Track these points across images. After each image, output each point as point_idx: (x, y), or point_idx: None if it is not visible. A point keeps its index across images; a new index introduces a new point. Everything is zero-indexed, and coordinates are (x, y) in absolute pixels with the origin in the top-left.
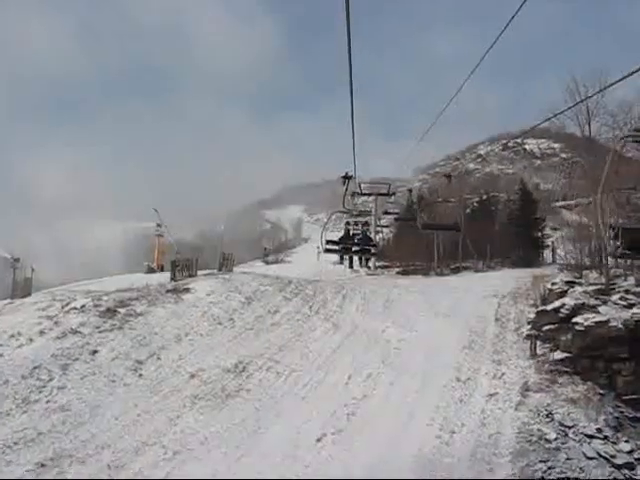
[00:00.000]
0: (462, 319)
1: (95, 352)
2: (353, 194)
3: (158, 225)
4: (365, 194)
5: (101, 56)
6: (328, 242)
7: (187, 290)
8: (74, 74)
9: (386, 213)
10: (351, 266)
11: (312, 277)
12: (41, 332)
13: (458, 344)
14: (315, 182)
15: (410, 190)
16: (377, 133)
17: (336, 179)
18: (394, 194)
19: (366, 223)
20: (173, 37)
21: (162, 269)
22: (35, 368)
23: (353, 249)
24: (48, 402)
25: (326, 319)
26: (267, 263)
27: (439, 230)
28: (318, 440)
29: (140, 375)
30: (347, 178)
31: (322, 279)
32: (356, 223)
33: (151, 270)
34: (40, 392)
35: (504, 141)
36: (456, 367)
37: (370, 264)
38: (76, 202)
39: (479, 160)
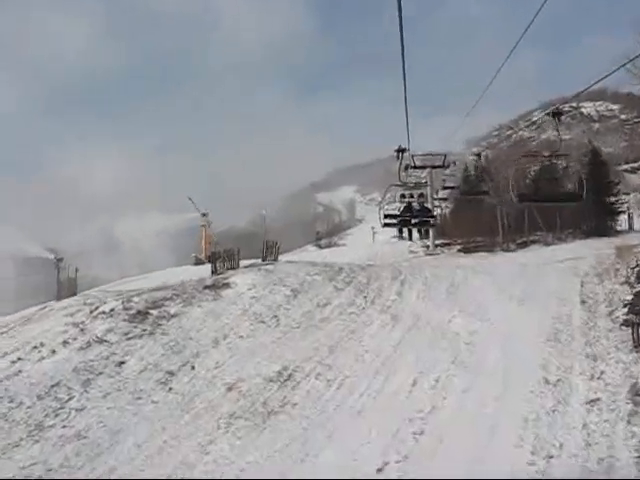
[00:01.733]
0: (540, 303)
1: (122, 363)
2: (406, 167)
3: (203, 215)
4: (419, 167)
5: (136, 47)
6: (386, 216)
7: (226, 285)
8: (113, 68)
9: (445, 188)
10: (410, 238)
11: (367, 261)
12: (65, 342)
13: (540, 335)
14: (366, 161)
15: (479, 155)
16: (418, 111)
17: (388, 157)
18: (449, 166)
19: (422, 195)
20: (209, 22)
21: (210, 260)
22: (53, 386)
23: (412, 221)
24: (64, 427)
25: (383, 310)
26: (320, 247)
27: (546, 202)
28: (379, 470)
29: (170, 389)
30: (401, 151)
31: (377, 263)
32: (412, 195)
33: (199, 262)
34: (56, 415)
35: (558, 105)
36: (542, 365)
37: (429, 243)
38: (124, 196)
39: (534, 128)
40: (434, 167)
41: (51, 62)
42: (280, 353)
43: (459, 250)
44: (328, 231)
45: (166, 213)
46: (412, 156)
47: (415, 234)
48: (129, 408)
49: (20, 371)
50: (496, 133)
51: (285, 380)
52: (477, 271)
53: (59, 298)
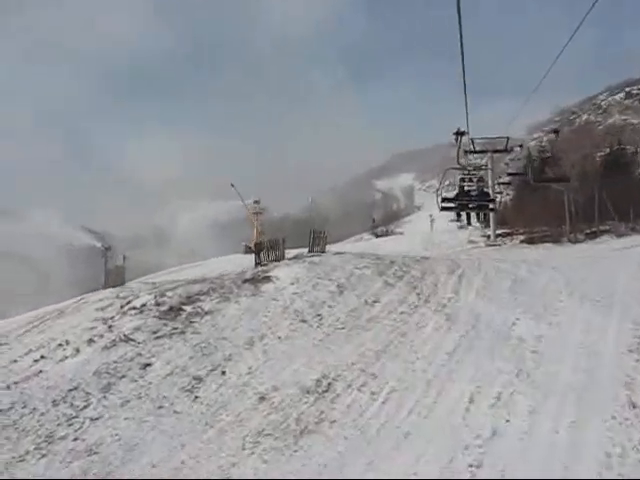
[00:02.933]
0: (619, 305)
1: (146, 366)
2: (466, 152)
3: (255, 202)
4: (479, 152)
5: (185, 30)
6: (444, 200)
7: (267, 279)
8: (162, 53)
9: (510, 174)
10: (469, 223)
11: (423, 250)
12: (90, 340)
13: (620, 344)
14: (425, 147)
15: (556, 131)
16: (477, 95)
17: (447, 143)
18: (512, 150)
19: (481, 179)
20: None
21: (254, 250)
22: (71, 390)
23: (470, 205)
24: (75, 440)
25: (438, 310)
26: (376, 235)
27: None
28: None
29: (195, 398)
30: (460, 134)
31: (434, 254)
32: (470, 179)
33: (249, 250)
34: (69, 425)
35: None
36: (626, 383)
37: (490, 232)
38: (175, 183)
39: (599, 112)
40: (495, 151)
41: (100, 51)
42: (320, 358)
43: (522, 241)
44: (385, 219)
45: (217, 200)
46: (471, 140)
47: (475, 223)
48: (148, 420)
49: (41, 371)
50: (558, 118)
51: (324, 391)
52: (542, 265)
53: (106, 287)
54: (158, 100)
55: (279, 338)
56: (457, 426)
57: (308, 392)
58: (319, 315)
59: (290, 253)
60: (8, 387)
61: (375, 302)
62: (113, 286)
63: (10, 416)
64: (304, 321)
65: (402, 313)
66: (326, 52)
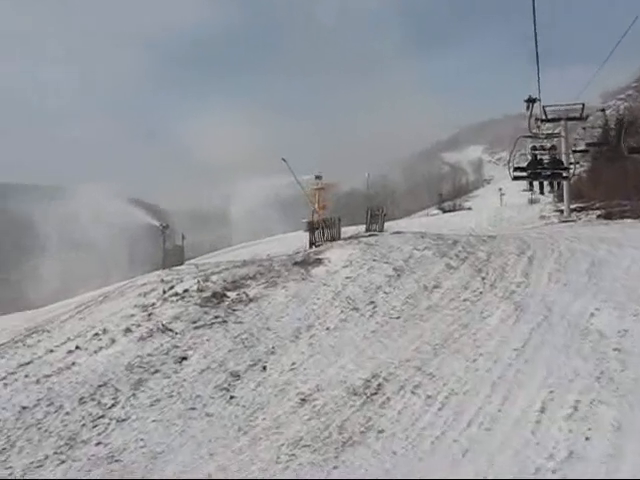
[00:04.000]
0: None
1: (182, 360)
2: (537, 120)
3: (317, 177)
4: (552, 120)
5: (249, 7)
6: (516, 169)
7: (318, 261)
8: (226, 31)
9: (590, 145)
10: (542, 192)
11: (491, 227)
12: (127, 330)
13: None
14: (494, 118)
15: None
16: (548, 64)
17: (517, 114)
18: (588, 117)
19: (554, 147)
20: None
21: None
22: (100, 386)
23: (542, 174)
24: (98, 445)
25: (505, 297)
26: (443, 211)
27: None
28: None
29: (231, 398)
30: (531, 101)
31: (502, 232)
32: (543, 148)
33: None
34: (94, 427)
35: None
36: None
37: (563, 207)
38: (236, 159)
39: None
40: (569, 119)
41: (163, 28)
42: (372, 353)
43: (599, 216)
44: (453, 193)
45: (281, 175)
46: (543, 108)
47: (547, 193)
48: (177, 423)
49: (73, 364)
50: (635, 84)
51: (372, 394)
52: (623, 245)
53: (164, 267)
54: (221, 76)
55: (327, 329)
56: (525, 443)
57: (355, 394)
58: (372, 302)
59: (347, 232)
60: (38, 381)
61: (435, 288)
62: (171, 266)
63: (35, 414)
64: (356, 309)
65: (465, 300)
66: (390, 22)
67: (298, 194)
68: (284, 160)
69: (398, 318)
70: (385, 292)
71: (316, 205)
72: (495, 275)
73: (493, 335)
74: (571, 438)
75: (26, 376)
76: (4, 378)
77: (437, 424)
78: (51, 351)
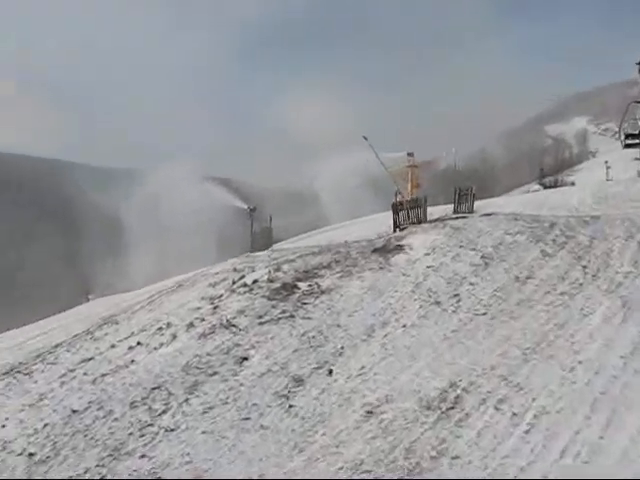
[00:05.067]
0: None
1: (243, 360)
2: None
3: (409, 154)
4: None
5: None
6: (627, 136)
7: (399, 248)
8: (314, 8)
9: None
10: None
11: (594, 206)
12: (190, 325)
13: None
14: (600, 87)
15: None
16: None
17: (625, 81)
18: None
19: None
20: None
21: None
22: (154, 389)
23: None
24: (142, 457)
25: (610, 290)
26: (544, 186)
27: None
28: None
29: (290, 407)
30: None
31: (608, 211)
32: None
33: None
34: (141, 436)
35: None
36: None
37: None
38: (325, 137)
39: None
40: None
41: (254, 8)
42: (451, 357)
43: None
44: (556, 167)
45: (371, 154)
46: None
47: None
48: (228, 435)
49: (132, 361)
50: None
51: (449, 408)
52: None
53: (253, 251)
54: (311, 54)
55: (404, 327)
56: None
57: (428, 407)
58: (456, 295)
59: (435, 213)
60: (94, 381)
61: (528, 278)
62: (259, 250)
63: (83, 419)
64: (437, 303)
65: (562, 294)
66: None
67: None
68: (365, 138)
69: (484, 315)
70: (471, 283)
71: (408, 185)
72: (598, 264)
73: (595, 337)
74: None
75: (84, 374)
76: (63, 375)
77: (523, 452)
78: (113, 346)
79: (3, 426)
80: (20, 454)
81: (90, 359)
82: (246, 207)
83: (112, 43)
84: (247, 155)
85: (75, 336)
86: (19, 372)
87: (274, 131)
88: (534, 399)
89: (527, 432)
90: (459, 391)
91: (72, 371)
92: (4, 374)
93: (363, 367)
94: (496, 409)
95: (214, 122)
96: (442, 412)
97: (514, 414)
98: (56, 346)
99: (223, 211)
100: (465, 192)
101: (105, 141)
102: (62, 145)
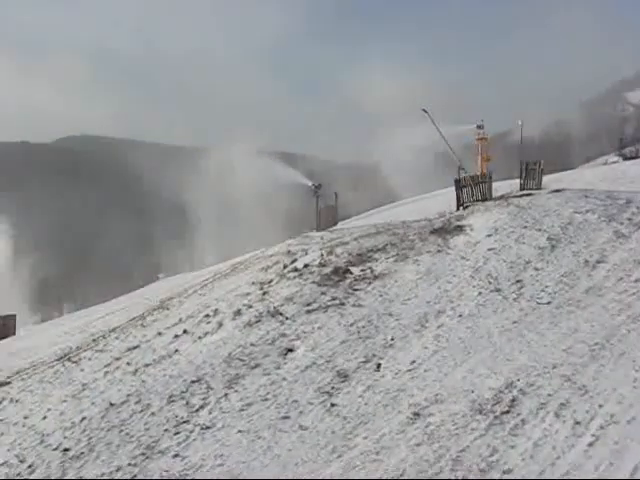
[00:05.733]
0: None
1: (288, 352)
2: None
3: (478, 127)
4: None
5: None
6: None
7: (459, 229)
8: None
9: None
10: None
11: None
12: (237, 312)
13: None
14: None
15: None
16: None
17: None
18: None
19: None
20: None
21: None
22: (194, 382)
23: None
24: (174, 457)
25: None
26: (624, 157)
27: None
28: None
29: (332, 406)
30: None
31: None
32: None
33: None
34: (176, 434)
35: None
36: None
37: None
38: (396, 110)
39: None
40: None
41: None
42: (509, 352)
43: None
44: (637, 137)
45: (443, 127)
46: None
47: None
48: (264, 436)
49: (176, 351)
50: None
51: (504, 412)
52: None
53: (318, 229)
54: (381, 25)
55: (460, 316)
56: None
57: (481, 411)
58: (519, 282)
59: (501, 189)
60: (135, 372)
61: (599, 262)
62: (325, 228)
63: (120, 413)
64: (497, 290)
65: (637, 281)
66: None
67: (460, 146)
68: (425, 111)
69: (548, 304)
70: (535, 268)
71: (479, 157)
72: None
73: None
74: None
75: (128, 363)
76: (108, 365)
77: (586, 468)
78: (160, 334)
79: (44, 418)
80: (56, 449)
81: (136, 347)
82: (311, 184)
83: (179, 22)
84: (316, 130)
85: (131, 320)
86: (69, 359)
87: (343, 106)
88: (601, 405)
89: (591, 445)
90: (516, 392)
91: (117, 359)
92: (57, 360)
93: (413, 362)
94: (556, 416)
95: (283, 97)
96: (495, 417)
97: (577, 422)
98: (112, 330)
99: (289, 188)
100: (533, 166)
101: (174, 119)
102: (133, 125)
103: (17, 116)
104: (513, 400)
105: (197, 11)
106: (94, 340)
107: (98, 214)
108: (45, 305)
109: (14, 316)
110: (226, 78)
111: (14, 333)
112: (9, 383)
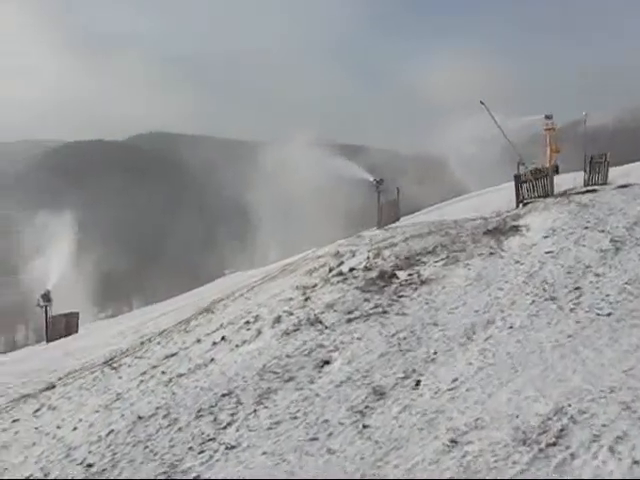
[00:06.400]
0: None
1: (324, 365)
2: None
3: (547, 117)
4: None
5: None
6: None
7: (515, 229)
8: None
9: None
10: None
11: None
12: (277, 319)
13: None
14: None
15: None
16: None
17: None
18: None
19: None
20: None
21: (557, 171)
22: (224, 396)
23: None
24: (196, 479)
25: None
26: None
27: None
28: None
29: (364, 428)
30: None
31: None
32: None
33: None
34: (200, 452)
35: None
36: None
37: None
38: (459, 102)
39: None
40: None
41: None
42: (562, 371)
43: None
44: None
45: (511, 117)
46: None
47: None
48: (290, 459)
49: (212, 360)
50: None
51: (550, 444)
52: None
53: (380, 226)
54: (443, 15)
55: (510, 328)
56: None
57: (524, 442)
58: (577, 289)
59: (564, 183)
60: (168, 382)
61: None
62: (387, 224)
63: (147, 428)
64: (553, 299)
65: None
66: None
67: (532, 135)
68: (482, 103)
69: (609, 315)
70: (596, 274)
71: (547, 149)
72: None
73: None
74: None
75: (163, 372)
76: (144, 373)
77: None
78: (199, 341)
79: (74, 429)
80: (80, 463)
81: (173, 355)
82: (372, 179)
83: (243, 22)
84: (378, 120)
85: (177, 324)
86: (110, 365)
87: (404, 97)
88: None
89: None
90: (566, 420)
91: (154, 368)
92: (100, 365)
93: (455, 379)
94: (611, 451)
95: (344, 90)
96: (540, 450)
97: (635, 462)
98: (160, 333)
99: (350, 183)
100: (598, 160)
101: (237, 115)
102: (198, 121)
103: (94, 116)
104: (562, 430)
105: (260, 11)
106: (142, 343)
107: (163, 211)
108: (115, 301)
109: (77, 314)
110: (288, 75)
111: (77, 331)
112: (54, 387)
